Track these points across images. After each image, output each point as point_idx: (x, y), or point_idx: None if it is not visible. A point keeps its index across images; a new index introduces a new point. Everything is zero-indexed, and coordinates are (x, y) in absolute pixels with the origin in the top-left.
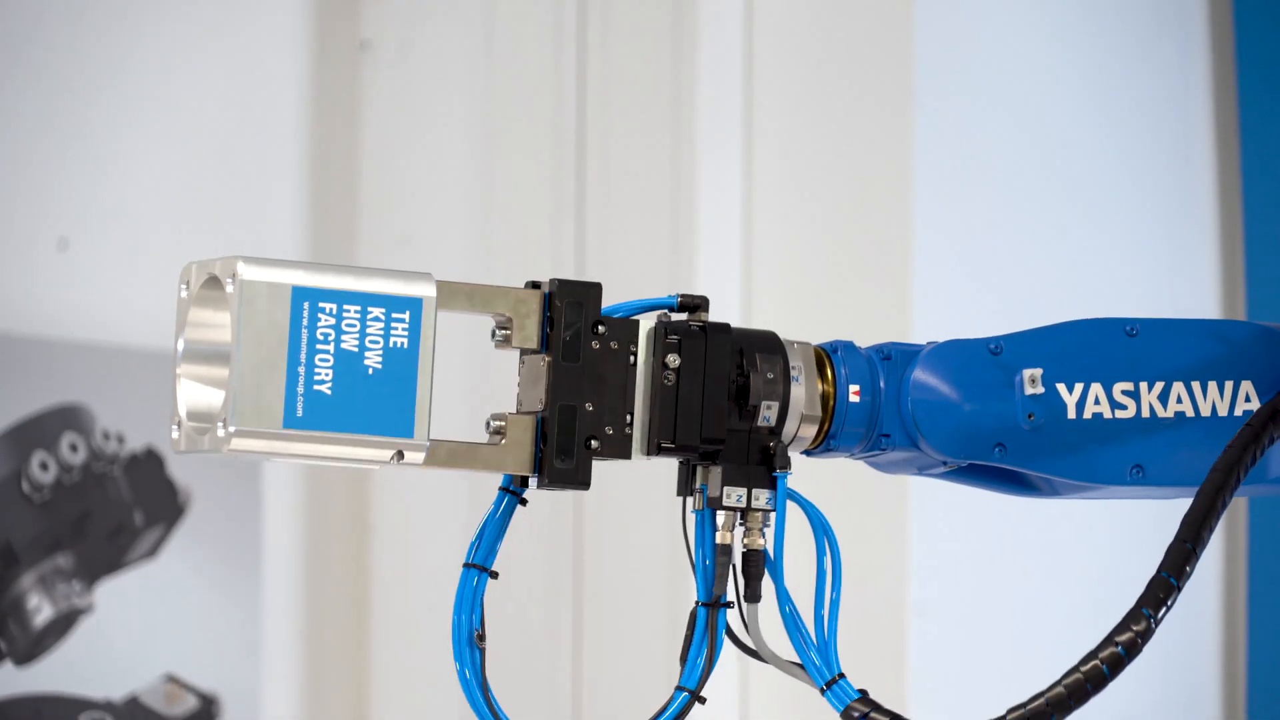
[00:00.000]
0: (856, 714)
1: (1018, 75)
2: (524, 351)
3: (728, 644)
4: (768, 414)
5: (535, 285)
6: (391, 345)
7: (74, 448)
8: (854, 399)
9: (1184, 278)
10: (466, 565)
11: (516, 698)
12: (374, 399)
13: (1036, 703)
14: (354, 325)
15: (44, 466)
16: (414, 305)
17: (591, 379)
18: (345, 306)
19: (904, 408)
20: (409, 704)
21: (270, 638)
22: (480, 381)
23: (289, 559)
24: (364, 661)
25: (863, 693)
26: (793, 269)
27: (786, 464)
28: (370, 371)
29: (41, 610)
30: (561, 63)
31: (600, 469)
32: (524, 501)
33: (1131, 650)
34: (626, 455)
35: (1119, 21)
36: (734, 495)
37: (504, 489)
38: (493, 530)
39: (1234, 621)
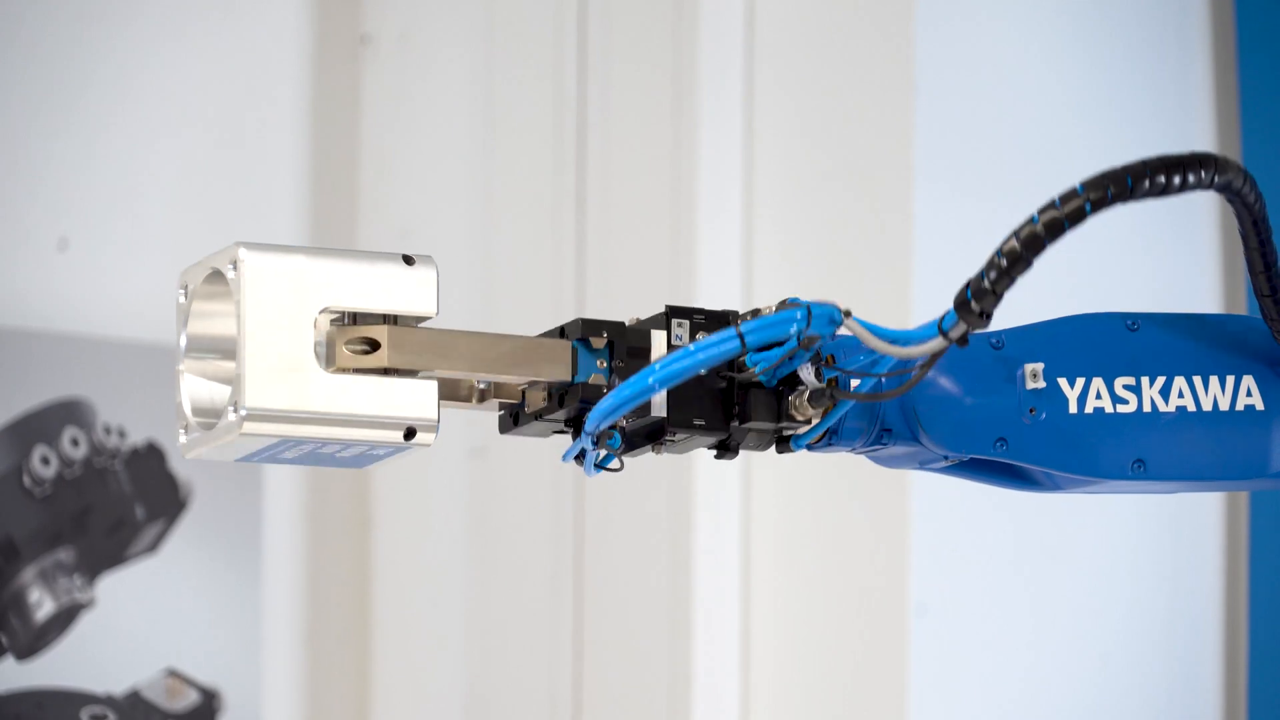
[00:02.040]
0: (962, 299)
1: (1018, 71)
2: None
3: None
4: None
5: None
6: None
7: (75, 442)
8: None
9: (1185, 272)
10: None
11: (517, 697)
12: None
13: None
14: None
15: (45, 461)
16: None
17: None
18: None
19: (905, 402)
20: (410, 698)
21: (271, 632)
22: None
23: (290, 554)
24: (365, 655)
25: None
26: (793, 266)
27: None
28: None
29: (43, 605)
30: (562, 57)
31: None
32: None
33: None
34: (646, 334)
35: (1120, 19)
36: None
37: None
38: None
39: (1235, 621)
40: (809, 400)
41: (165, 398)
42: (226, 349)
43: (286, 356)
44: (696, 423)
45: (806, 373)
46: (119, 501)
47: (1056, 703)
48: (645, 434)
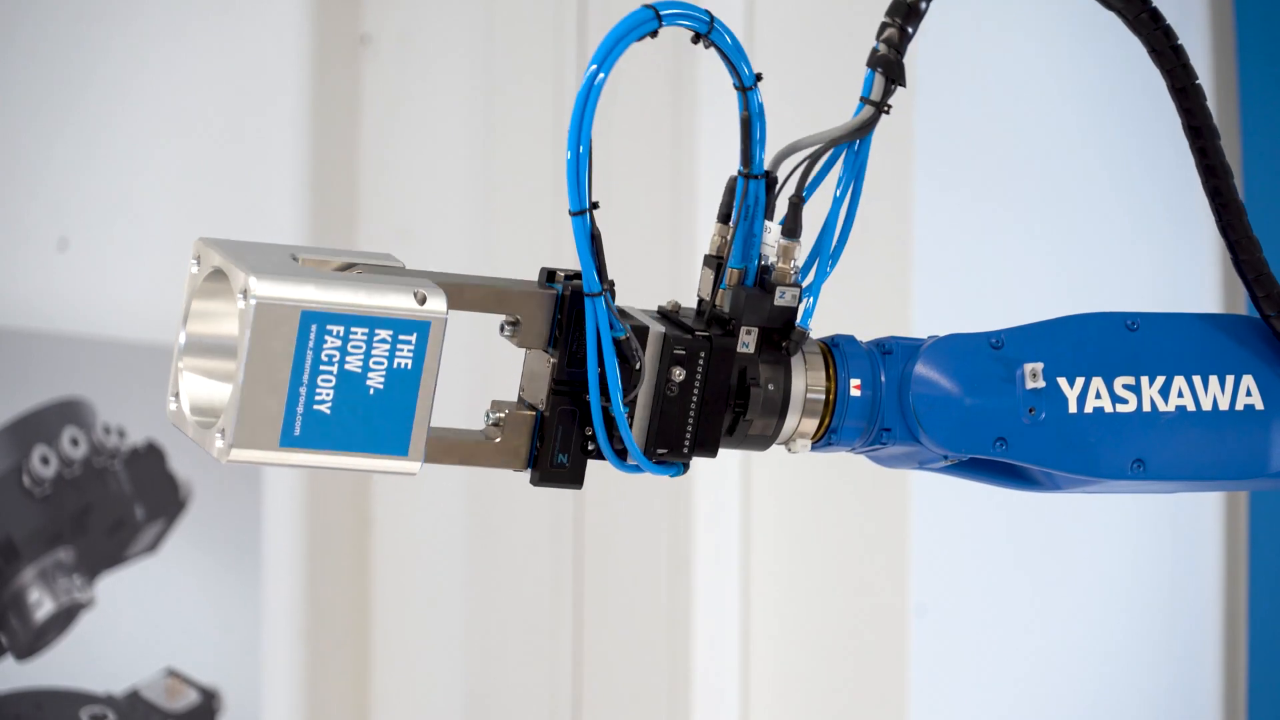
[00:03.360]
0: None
1: (1018, 71)
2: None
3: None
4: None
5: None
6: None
7: (75, 442)
8: (855, 393)
9: (1185, 272)
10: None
11: (517, 697)
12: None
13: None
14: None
15: (45, 461)
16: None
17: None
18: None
19: (905, 402)
20: (410, 698)
21: (271, 632)
22: (482, 360)
23: (290, 553)
24: (365, 655)
25: None
26: None
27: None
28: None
29: (42, 605)
30: (562, 57)
31: (597, 466)
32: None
33: None
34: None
35: (1120, 20)
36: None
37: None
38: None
39: (1235, 621)
40: (785, 234)
41: (165, 398)
42: (227, 347)
43: (280, 262)
44: (700, 334)
45: (769, 231)
46: (119, 501)
47: (1056, 703)
48: (666, 389)
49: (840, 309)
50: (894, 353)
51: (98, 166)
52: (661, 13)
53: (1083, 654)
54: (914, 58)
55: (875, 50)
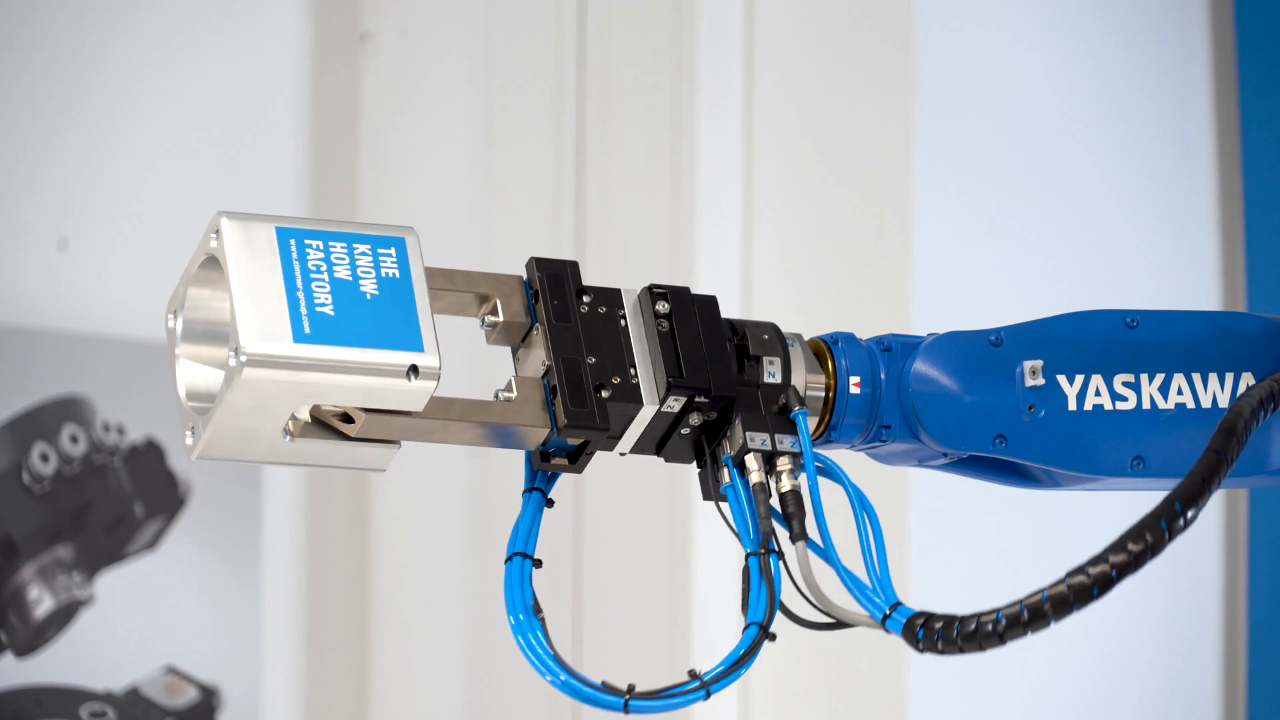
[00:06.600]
0: (919, 621)
1: (1018, 72)
2: (515, 346)
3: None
4: (771, 370)
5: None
6: (384, 275)
7: (74, 439)
8: (854, 390)
9: (1185, 270)
10: (511, 556)
11: (516, 697)
12: (378, 319)
13: (1034, 598)
14: (343, 258)
15: (44, 458)
16: (398, 242)
17: (588, 338)
18: (331, 243)
19: (904, 399)
20: (410, 696)
21: (271, 629)
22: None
23: (289, 550)
24: (365, 652)
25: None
26: (793, 262)
27: (802, 402)
28: (368, 296)
29: (42, 602)
30: (562, 54)
31: (598, 465)
32: (550, 503)
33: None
34: (638, 401)
35: (1120, 20)
36: (758, 439)
37: (529, 490)
38: (526, 525)
39: (1234, 620)
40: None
41: (164, 395)
42: (221, 334)
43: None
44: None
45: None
46: (118, 499)
47: (1056, 702)
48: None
49: (840, 308)
50: (894, 350)
51: (98, 166)
52: (708, 682)
53: (1082, 653)
54: (914, 58)
55: (918, 636)
